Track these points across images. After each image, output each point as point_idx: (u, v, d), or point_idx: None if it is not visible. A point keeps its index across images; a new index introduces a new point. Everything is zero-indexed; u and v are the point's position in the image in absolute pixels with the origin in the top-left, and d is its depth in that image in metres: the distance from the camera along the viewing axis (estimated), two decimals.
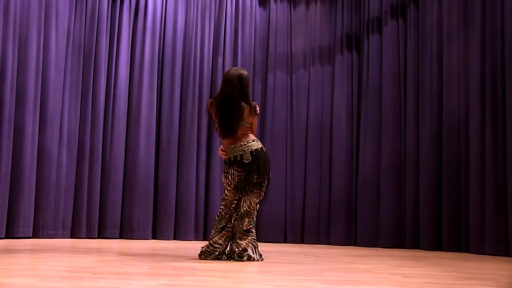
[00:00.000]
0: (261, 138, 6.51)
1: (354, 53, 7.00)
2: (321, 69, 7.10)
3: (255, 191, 3.81)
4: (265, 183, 3.82)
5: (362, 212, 6.57)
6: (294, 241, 6.78)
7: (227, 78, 3.85)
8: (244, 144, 3.81)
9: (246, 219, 3.78)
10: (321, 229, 6.77)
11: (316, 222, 6.79)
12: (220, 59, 6.93)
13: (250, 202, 3.80)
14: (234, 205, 3.85)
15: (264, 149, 3.88)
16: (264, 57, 7.16)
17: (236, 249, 3.73)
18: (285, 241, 6.78)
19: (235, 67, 4.06)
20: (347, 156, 6.80)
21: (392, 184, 6.41)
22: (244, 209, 3.79)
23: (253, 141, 3.84)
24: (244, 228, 3.77)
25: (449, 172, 5.74)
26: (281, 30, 7.19)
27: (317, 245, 6.51)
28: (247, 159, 3.78)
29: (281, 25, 7.20)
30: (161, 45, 6.82)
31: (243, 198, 3.83)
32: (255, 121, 3.92)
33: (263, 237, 6.53)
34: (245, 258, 3.69)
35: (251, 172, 3.77)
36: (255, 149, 3.80)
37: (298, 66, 7.16)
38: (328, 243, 6.69)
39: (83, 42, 6.25)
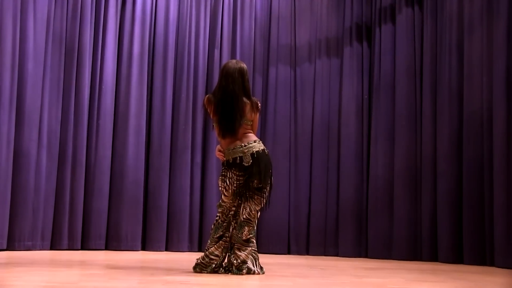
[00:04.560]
0: (262, 138, 6.51)
1: (365, 44, 7.00)
2: (328, 62, 7.12)
3: (256, 197, 3.81)
4: (266, 189, 3.83)
5: (373, 220, 6.56)
6: (299, 252, 6.79)
7: (226, 71, 3.87)
8: (245, 145, 3.82)
9: (246, 227, 3.78)
10: (328, 239, 6.78)
11: (323, 231, 6.80)
12: (216, 52, 6.93)
13: (250, 209, 3.80)
14: (232, 212, 3.85)
15: (266, 151, 3.89)
16: (265, 50, 7.18)
17: (235, 261, 3.72)
18: (289, 252, 6.80)
19: (234, 60, 4.08)
20: (356, 159, 6.80)
21: (407, 190, 6.40)
22: (244, 216, 3.79)
23: (255, 142, 3.85)
24: (244, 238, 3.76)
25: (470, 176, 5.71)
26: (284, 19, 7.20)
27: (323, 257, 6.52)
28: (248, 162, 3.79)
29: (284, 14, 7.21)
30: (151, 37, 6.81)
31: (242, 205, 3.82)
32: (257, 118, 3.95)
33: (264, 248, 6.52)
34: (244, 271, 3.68)
35: (251, 176, 3.78)
36: (256, 151, 3.81)
37: (302, 59, 7.17)
38: (336, 254, 6.70)
39: (64, 33, 6.20)
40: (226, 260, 3.81)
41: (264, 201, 3.83)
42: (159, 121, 6.67)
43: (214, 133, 4.14)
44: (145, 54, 6.67)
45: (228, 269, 3.75)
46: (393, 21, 6.78)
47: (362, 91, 6.92)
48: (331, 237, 6.76)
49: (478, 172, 5.64)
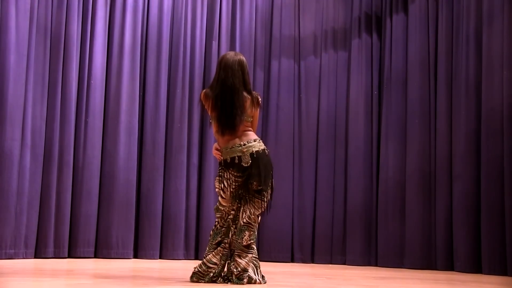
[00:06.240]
0: (263, 137, 6.53)
1: (375, 36, 7.01)
2: (334, 55, 7.14)
3: (256, 201, 3.83)
4: (267, 192, 3.85)
5: (383, 226, 6.57)
6: (303, 260, 6.81)
7: (225, 64, 3.88)
8: (244, 144, 3.83)
9: (246, 232, 3.78)
10: (334, 246, 6.80)
11: (329, 238, 6.82)
12: (214, 43, 6.95)
13: (250, 213, 3.81)
14: (231, 217, 3.87)
15: (267, 151, 3.90)
16: (267, 42, 7.20)
17: (235, 270, 3.72)
18: (292, 260, 6.82)
19: (233, 52, 4.09)
20: (365, 160, 6.81)
21: (420, 193, 6.39)
22: (244, 220, 3.80)
23: (255, 141, 3.87)
24: (244, 243, 3.77)
25: (489, 179, 5.69)
26: (287, 8, 7.23)
27: (330, 265, 6.55)
28: (247, 162, 3.80)
29: (287, 3, 7.24)
30: (144, 27, 6.82)
31: (242, 208, 3.84)
32: (257, 115, 3.97)
33: (266, 256, 6.56)
34: (245, 280, 3.67)
35: (251, 177, 3.80)
36: (256, 151, 3.82)
37: (307, 52, 7.19)
38: (344, 262, 6.71)
39: (49, 23, 6.18)
40: (225, 269, 3.81)
41: (265, 205, 3.84)
42: (153, 119, 6.66)
43: (212, 132, 4.15)
44: (137, 46, 6.67)
45: (228, 279, 3.74)
46: (405, 10, 6.77)
47: (372, 86, 6.91)
48: (338, 244, 6.77)
49: (497, 174, 5.62)
